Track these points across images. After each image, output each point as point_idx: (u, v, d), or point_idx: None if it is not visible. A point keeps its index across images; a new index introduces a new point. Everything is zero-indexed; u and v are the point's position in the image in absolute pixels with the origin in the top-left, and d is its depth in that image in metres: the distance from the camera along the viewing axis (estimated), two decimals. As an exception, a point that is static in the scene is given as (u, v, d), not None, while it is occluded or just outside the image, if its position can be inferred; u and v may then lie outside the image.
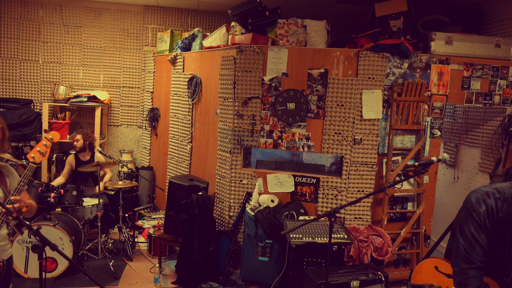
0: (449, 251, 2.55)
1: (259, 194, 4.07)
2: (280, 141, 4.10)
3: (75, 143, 4.68)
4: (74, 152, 4.81)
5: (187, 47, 5.14)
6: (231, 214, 4.21)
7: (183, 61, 5.01)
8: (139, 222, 5.06)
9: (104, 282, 3.76)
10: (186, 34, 5.27)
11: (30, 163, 2.19)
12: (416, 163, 2.36)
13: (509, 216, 1.95)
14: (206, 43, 4.71)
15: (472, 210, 2.03)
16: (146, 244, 4.60)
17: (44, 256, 1.94)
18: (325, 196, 4.04)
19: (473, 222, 2.02)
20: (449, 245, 2.59)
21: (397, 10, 4.07)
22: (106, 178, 4.88)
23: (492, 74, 4.10)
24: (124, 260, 4.28)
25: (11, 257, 2.24)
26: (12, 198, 1.98)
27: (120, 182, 4.66)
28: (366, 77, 3.91)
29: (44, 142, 2.34)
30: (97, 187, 4.27)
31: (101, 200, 4.16)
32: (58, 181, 4.73)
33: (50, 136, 2.39)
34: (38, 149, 2.29)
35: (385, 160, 4.02)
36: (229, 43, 4.36)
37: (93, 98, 5.51)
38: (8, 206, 1.95)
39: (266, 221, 3.73)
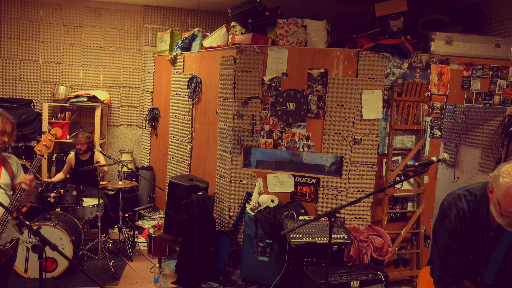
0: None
1: (259, 194, 4.07)
2: (280, 141, 4.10)
3: (79, 146, 4.66)
4: (75, 151, 4.82)
5: (187, 47, 5.14)
6: (231, 214, 4.21)
7: (183, 61, 5.01)
8: (139, 222, 5.06)
9: (104, 282, 3.76)
10: (186, 34, 5.27)
11: (38, 155, 2.53)
12: (416, 163, 2.35)
13: (482, 218, 1.87)
14: (206, 43, 4.71)
15: (443, 216, 1.96)
16: (146, 244, 4.60)
17: (44, 256, 1.94)
18: (325, 196, 4.04)
19: (445, 228, 1.94)
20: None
21: (397, 10, 4.07)
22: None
23: (492, 74, 4.10)
24: (124, 260, 4.28)
25: (19, 238, 2.48)
26: (28, 177, 2.31)
27: (120, 182, 4.65)
28: (366, 77, 3.91)
29: (49, 137, 2.64)
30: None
31: (101, 200, 4.16)
32: (59, 176, 4.80)
33: (54, 132, 2.70)
34: (44, 143, 2.60)
35: (385, 160, 4.02)
36: (229, 43, 4.36)
37: (93, 98, 5.51)
38: (23, 186, 2.29)
39: (266, 221, 3.73)
